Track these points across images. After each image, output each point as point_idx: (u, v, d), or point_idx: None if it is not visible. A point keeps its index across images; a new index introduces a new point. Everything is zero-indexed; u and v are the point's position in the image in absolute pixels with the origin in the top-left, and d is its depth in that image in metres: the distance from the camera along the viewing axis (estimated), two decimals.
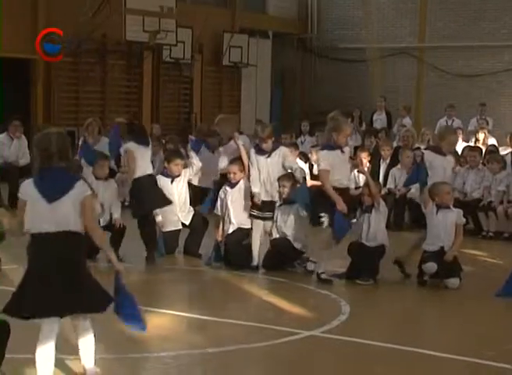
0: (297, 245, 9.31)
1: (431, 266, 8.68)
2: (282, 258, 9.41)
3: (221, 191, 9.60)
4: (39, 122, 18.96)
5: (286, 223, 9.35)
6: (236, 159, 9.59)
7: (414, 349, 6.56)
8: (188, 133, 13.68)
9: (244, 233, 9.51)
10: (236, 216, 9.47)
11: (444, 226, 8.79)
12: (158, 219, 9.76)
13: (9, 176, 12.93)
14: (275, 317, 7.65)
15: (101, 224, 9.30)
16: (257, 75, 23.98)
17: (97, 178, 9.73)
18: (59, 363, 5.70)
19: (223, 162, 9.91)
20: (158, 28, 20.03)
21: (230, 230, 9.47)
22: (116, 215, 9.67)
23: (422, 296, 8.69)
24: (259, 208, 9.32)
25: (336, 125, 8.71)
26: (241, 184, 9.53)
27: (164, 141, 14.40)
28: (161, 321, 7.26)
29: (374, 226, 8.89)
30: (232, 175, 9.51)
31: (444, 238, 8.79)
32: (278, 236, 9.43)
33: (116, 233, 9.58)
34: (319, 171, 8.98)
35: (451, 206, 8.96)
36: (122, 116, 18.96)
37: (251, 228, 9.47)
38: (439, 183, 8.90)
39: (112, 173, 10.53)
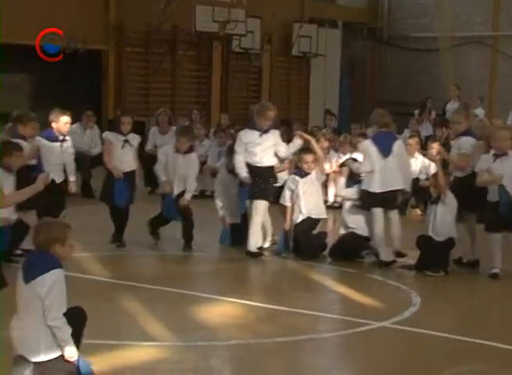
0: (363, 233, 9.24)
1: None
2: (350, 250, 9.35)
3: (289, 181, 9.56)
4: (110, 112, 19.20)
5: (350, 215, 9.34)
6: (309, 149, 9.54)
7: (486, 342, 6.43)
8: None
9: (313, 223, 9.48)
10: (307, 205, 9.44)
11: (504, 172, 8.40)
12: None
13: (82, 166, 13.11)
14: (344, 308, 7.60)
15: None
16: (326, 65, 23.85)
17: (177, 151, 9.63)
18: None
19: None
20: (228, 18, 20.07)
21: (299, 219, 9.45)
22: (187, 195, 9.55)
23: (494, 288, 8.51)
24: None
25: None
26: (313, 174, 9.51)
27: (233, 131, 14.44)
28: (230, 310, 7.28)
29: (440, 219, 8.70)
30: (306, 165, 9.47)
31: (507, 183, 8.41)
32: (344, 232, 9.42)
33: (185, 220, 9.57)
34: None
35: (509, 152, 8.58)
36: (191, 106, 19.18)
37: (319, 219, 9.52)
38: (498, 128, 8.63)
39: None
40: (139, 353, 5.94)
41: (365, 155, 9.26)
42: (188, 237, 9.63)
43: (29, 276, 4.80)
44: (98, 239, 9.69)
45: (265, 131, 9.31)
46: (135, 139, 9.76)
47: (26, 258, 5.04)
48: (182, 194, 9.54)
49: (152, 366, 5.70)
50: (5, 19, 17.20)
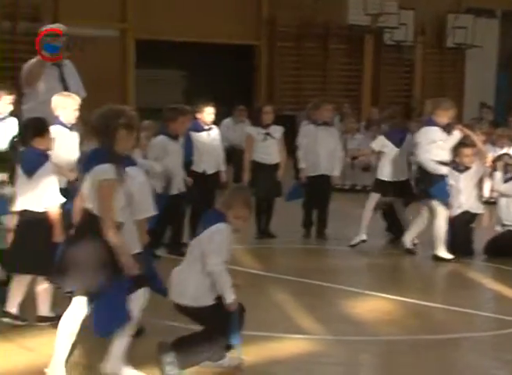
0: None
1: None
2: (508, 247, 9.02)
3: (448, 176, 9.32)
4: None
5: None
6: (468, 143, 9.25)
7: None
8: (408, 118, 13.44)
9: (471, 217, 9.23)
10: (467, 199, 9.21)
11: None
12: None
13: (234, 160, 13.29)
14: (499, 306, 7.34)
15: None
16: (482, 56, 23.11)
17: None
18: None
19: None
20: (380, 11, 19.83)
21: (457, 212, 9.20)
22: None
23: None
24: None
25: None
26: (474, 168, 9.25)
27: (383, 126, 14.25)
28: (380, 305, 7.18)
29: None
30: (466, 158, 9.21)
31: None
32: (501, 229, 9.12)
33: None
34: None
35: None
36: (342, 100, 19.08)
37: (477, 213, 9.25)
38: None
39: None
40: (289, 345, 5.95)
41: None
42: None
43: (199, 231, 5.04)
44: (249, 232, 9.79)
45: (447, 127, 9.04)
46: (277, 131, 9.78)
47: (203, 215, 5.21)
48: None
49: (301, 359, 5.69)
50: (162, 16, 17.75)
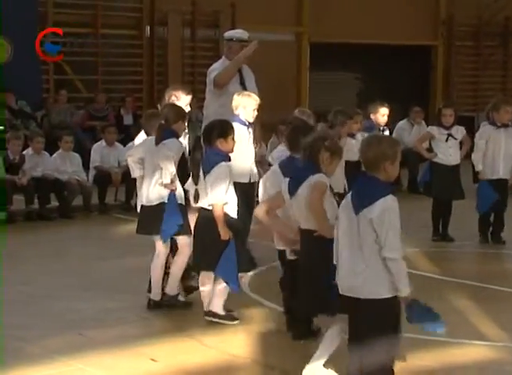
0: None
1: None
2: None
3: None
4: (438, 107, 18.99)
5: None
6: None
7: None
8: None
9: None
10: None
11: None
12: None
13: (410, 161, 13.07)
14: None
15: None
16: None
17: None
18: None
19: None
20: None
21: None
22: None
23: None
24: None
25: None
26: None
27: None
28: None
29: None
30: None
31: None
32: None
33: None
34: None
35: None
36: None
37: None
38: None
39: None
40: (470, 352, 5.77)
41: None
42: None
43: (358, 206, 4.47)
44: (425, 235, 9.58)
45: None
46: (459, 132, 9.54)
47: (354, 186, 4.67)
48: None
49: (484, 366, 5.51)
50: (337, 19, 17.75)
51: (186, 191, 6.55)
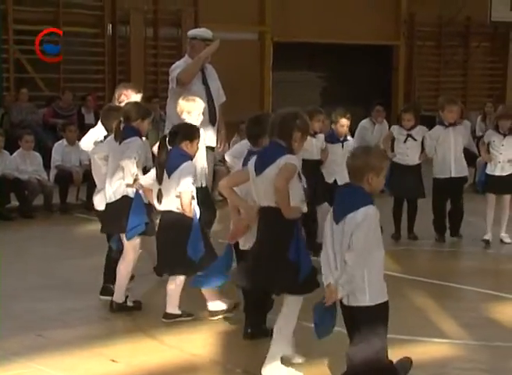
0: None
1: None
2: None
3: None
4: (399, 107, 19.11)
5: None
6: None
7: None
8: None
9: None
10: None
11: None
12: None
13: None
14: None
15: None
16: None
17: None
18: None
19: None
20: None
21: None
22: None
23: None
24: None
25: None
26: None
27: None
28: None
29: None
30: None
31: None
32: None
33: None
34: None
35: None
36: (483, 99, 18.55)
37: None
38: None
39: None
40: (430, 350, 5.80)
41: None
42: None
43: (340, 215, 4.58)
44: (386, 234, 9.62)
45: None
46: (420, 133, 9.61)
47: (336, 196, 4.76)
48: None
49: (445, 364, 5.53)
50: (300, 19, 17.79)
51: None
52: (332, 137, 9.37)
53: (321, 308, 4.70)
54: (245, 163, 5.72)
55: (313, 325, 4.82)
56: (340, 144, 9.32)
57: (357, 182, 4.60)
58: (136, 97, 7.24)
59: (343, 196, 4.69)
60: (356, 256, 4.53)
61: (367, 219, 4.51)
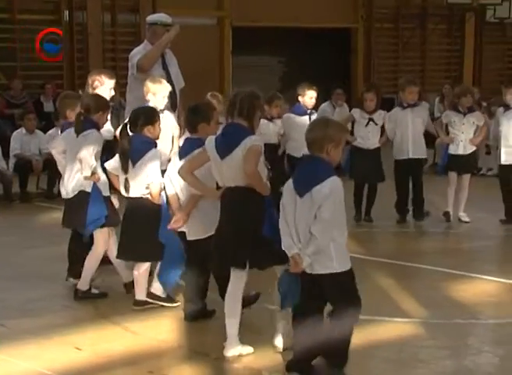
0: None
1: None
2: None
3: None
4: (359, 90, 19.21)
5: None
6: None
7: None
8: None
9: None
10: None
11: None
12: None
13: None
14: None
15: None
16: None
17: None
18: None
19: None
20: None
21: None
22: None
23: None
24: None
25: None
26: None
27: (486, 104, 13.95)
28: (487, 288, 7.01)
29: None
30: None
31: None
32: None
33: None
34: None
35: None
36: (442, 81, 18.72)
37: None
38: None
39: None
40: (393, 329, 5.89)
41: None
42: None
43: (304, 188, 4.64)
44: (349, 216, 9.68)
45: None
46: (381, 117, 9.66)
47: (297, 168, 4.83)
48: None
49: (406, 342, 5.62)
50: (258, 3, 17.76)
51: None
52: (300, 110, 9.44)
53: (287, 277, 4.78)
54: (183, 151, 5.79)
55: (279, 296, 4.91)
56: (308, 116, 9.39)
57: (317, 153, 4.67)
58: (109, 82, 7.23)
59: (305, 168, 4.72)
60: (324, 227, 4.59)
61: (334, 190, 4.59)
